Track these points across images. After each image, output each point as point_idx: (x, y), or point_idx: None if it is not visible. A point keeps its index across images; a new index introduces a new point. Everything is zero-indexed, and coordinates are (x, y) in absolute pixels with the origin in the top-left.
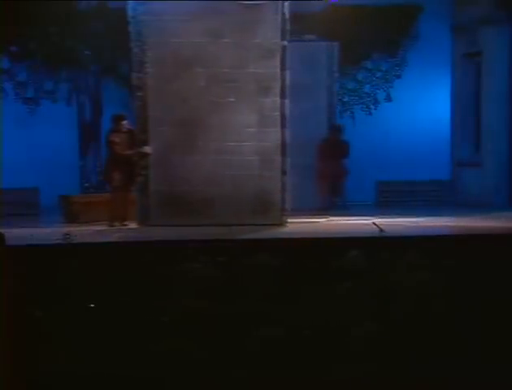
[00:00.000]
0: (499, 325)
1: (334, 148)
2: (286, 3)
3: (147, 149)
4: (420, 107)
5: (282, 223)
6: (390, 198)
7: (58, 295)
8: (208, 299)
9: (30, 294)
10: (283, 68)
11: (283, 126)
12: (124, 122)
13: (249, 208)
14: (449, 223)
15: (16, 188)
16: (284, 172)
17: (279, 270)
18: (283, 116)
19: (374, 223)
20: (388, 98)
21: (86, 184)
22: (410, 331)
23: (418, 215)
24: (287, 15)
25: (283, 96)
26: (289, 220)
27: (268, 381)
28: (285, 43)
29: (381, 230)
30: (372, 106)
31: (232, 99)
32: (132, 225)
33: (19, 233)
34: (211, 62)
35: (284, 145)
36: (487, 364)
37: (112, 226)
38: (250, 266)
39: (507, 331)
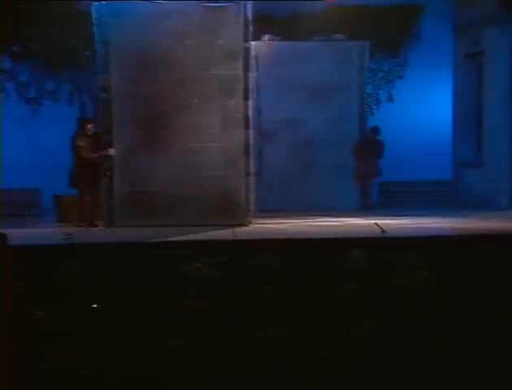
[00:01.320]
0: (502, 325)
1: (370, 147)
2: (249, 5)
3: (111, 150)
4: (422, 107)
5: (246, 224)
6: (391, 199)
7: (59, 295)
8: (209, 300)
9: (31, 294)
10: (246, 70)
11: (246, 127)
12: (89, 126)
13: (214, 208)
14: (450, 224)
15: (17, 189)
16: (247, 173)
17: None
18: (246, 117)
19: (376, 224)
20: (390, 98)
21: None
22: (412, 331)
23: (419, 216)
24: (249, 17)
25: (246, 97)
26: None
27: (269, 382)
28: (248, 45)
29: (383, 231)
30: (374, 107)
31: (195, 100)
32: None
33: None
34: (175, 64)
35: (247, 145)
36: (489, 364)
37: (79, 227)
38: (251, 267)
39: (510, 331)
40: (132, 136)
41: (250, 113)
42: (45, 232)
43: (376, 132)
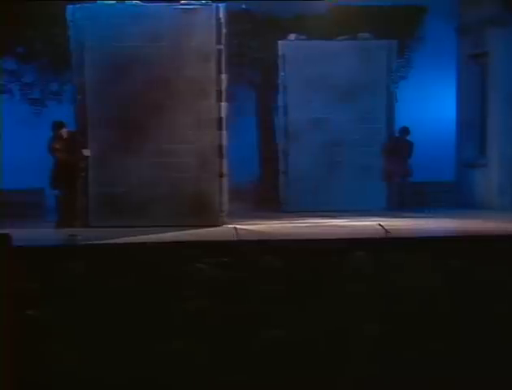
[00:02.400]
0: (507, 326)
1: (399, 148)
2: (221, 8)
3: (85, 151)
4: (425, 108)
5: (219, 224)
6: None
7: (62, 295)
8: (213, 300)
9: (35, 294)
10: (219, 72)
11: (220, 128)
12: (63, 129)
13: (187, 209)
14: (453, 224)
15: (22, 189)
16: (221, 174)
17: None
18: (220, 119)
19: (379, 225)
20: (394, 99)
21: None
22: (417, 332)
23: (422, 216)
24: (222, 20)
25: (219, 99)
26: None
27: (272, 382)
28: (221, 47)
29: (387, 231)
30: None
31: (168, 102)
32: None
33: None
34: (148, 66)
35: (221, 147)
36: (494, 365)
37: (59, 227)
38: (254, 267)
39: None
40: (106, 137)
41: (223, 114)
42: (48, 233)
43: (405, 132)
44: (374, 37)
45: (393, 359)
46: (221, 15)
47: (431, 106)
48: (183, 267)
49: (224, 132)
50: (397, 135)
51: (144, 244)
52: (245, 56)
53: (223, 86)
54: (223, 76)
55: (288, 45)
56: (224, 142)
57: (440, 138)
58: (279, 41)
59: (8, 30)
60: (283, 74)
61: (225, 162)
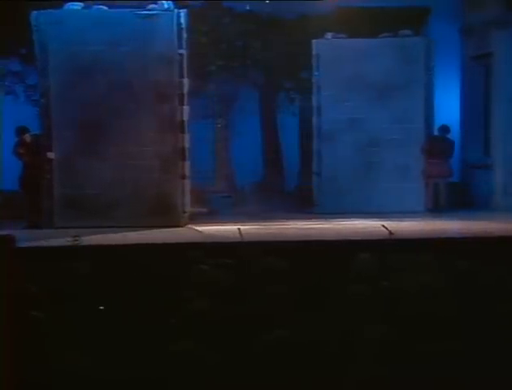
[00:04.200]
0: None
1: (439, 147)
2: (182, 13)
3: (50, 154)
4: None
5: (182, 225)
6: None
7: (66, 296)
8: (216, 301)
9: (39, 295)
10: (181, 76)
11: (182, 131)
12: (26, 134)
13: (149, 210)
14: (458, 225)
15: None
16: (183, 176)
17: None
18: (182, 122)
19: (383, 226)
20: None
21: None
22: (422, 333)
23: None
24: (183, 25)
25: (181, 102)
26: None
27: (274, 383)
28: (182, 51)
29: (390, 233)
30: None
31: (131, 105)
32: None
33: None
34: (111, 70)
35: (183, 149)
36: (499, 365)
37: (26, 228)
38: (258, 268)
39: None
40: (70, 139)
41: (186, 117)
42: (50, 234)
43: (445, 130)
44: (413, 35)
45: (398, 360)
46: (182, 20)
47: (435, 107)
48: (187, 268)
49: (187, 135)
50: (436, 133)
51: (146, 245)
52: (249, 57)
53: (185, 90)
54: (185, 80)
55: (323, 44)
56: (186, 145)
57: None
58: (314, 40)
59: (12, 31)
60: (317, 73)
61: (187, 165)
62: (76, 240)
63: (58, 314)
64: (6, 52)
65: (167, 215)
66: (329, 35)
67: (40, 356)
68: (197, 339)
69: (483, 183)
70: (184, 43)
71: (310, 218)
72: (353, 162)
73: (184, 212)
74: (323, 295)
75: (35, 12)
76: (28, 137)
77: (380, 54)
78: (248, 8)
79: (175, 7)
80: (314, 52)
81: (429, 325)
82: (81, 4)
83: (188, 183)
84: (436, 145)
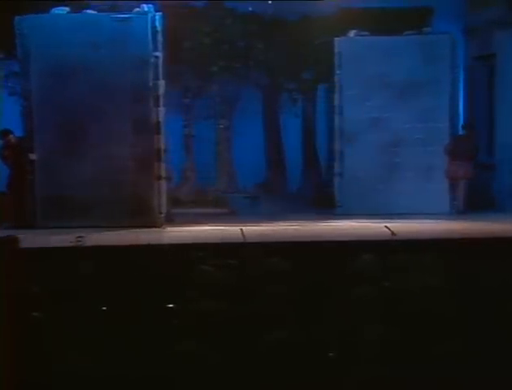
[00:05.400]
0: None
1: (463, 147)
2: (157, 17)
3: (31, 156)
4: None
5: (158, 225)
6: None
7: (70, 296)
8: (220, 301)
9: (42, 295)
10: (156, 77)
11: (158, 132)
12: (11, 136)
13: (126, 211)
14: (462, 226)
15: None
16: (158, 177)
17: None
18: (157, 123)
19: (386, 227)
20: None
21: None
22: (423, 333)
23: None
24: (158, 28)
25: (157, 104)
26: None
27: (279, 382)
28: (158, 54)
29: (393, 233)
30: None
31: (108, 107)
32: None
33: None
34: (90, 72)
35: (158, 150)
36: (501, 366)
37: (8, 228)
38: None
39: None
40: (51, 141)
41: (161, 119)
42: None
43: (469, 128)
44: (436, 32)
45: (400, 361)
46: (157, 23)
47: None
48: (190, 268)
49: (162, 136)
50: (460, 132)
51: (149, 245)
52: (251, 57)
53: (161, 91)
54: (161, 82)
55: (346, 42)
56: (162, 146)
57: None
58: (336, 38)
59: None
60: (339, 72)
61: (163, 166)
62: (79, 241)
63: (59, 315)
64: (10, 53)
65: (143, 216)
66: (352, 32)
67: (42, 356)
68: (200, 339)
69: (487, 183)
70: (159, 46)
71: (332, 219)
72: (375, 162)
73: (161, 213)
74: (325, 296)
75: (18, 17)
76: (12, 138)
77: (404, 51)
78: (250, 9)
79: (156, 10)
80: (336, 50)
81: (432, 325)
82: (67, 9)
83: (164, 184)
84: (461, 145)
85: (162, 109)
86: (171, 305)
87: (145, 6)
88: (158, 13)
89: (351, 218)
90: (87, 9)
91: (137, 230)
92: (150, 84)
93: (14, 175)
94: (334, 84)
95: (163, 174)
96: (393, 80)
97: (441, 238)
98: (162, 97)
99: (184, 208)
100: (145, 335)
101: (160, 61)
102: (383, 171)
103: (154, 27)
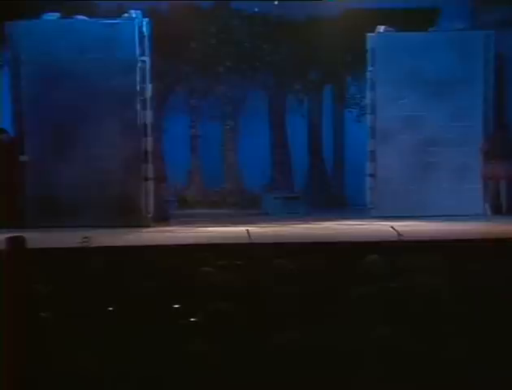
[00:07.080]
0: None
1: (500, 146)
2: (145, 22)
3: (22, 157)
4: None
5: (147, 226)
6: None
7: (76, 297)
8: (226, 302)
9: (48, 296)
10: (143, 81)
11: (145, 135)
12: (4, 135)
13: (115, 211)
14: (468, 227)
15: None
16: (146, 178)
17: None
18: (145, 126)
19: (392, 227)
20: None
21: None
22: (431, 336)
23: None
24: (146, 33)
25: (144, 107)
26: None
27: (285, 386)
28: (145, 58)
29: (399, 234)
30: None
31: (98, 110)
32: None
33: None
34: (79, 76)
35: (146, 153)
36: (506, 367)
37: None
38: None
39: None
40: (41, 143)
41: (148, 121)
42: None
43: (504, 127)
44: (469, 28)
45: (409, 363)
46: (144, 29)
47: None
48: (195, 269)
49: (150, 138)
50: (494, 132)
51: (155, 246)
52: (258, 58)
53: (148, 95)
54: (149, 86)
55: (378, 38)
56: (150, 148)
57: None
58: (368, 34)
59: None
60: (371, 69)
61: (151, 167)
62: (86, 241)
63: (67, 315)
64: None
65: (131, 216)
66: (381, 28)
67: (49, 357)
68: (207, 340)
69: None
70: (146, 50)
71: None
72: (409, 162)
73: (148, 213)
74: (333, 297)
75: (7, 23)
76: (5, 139)
77: (438, 48)
78: (256, 10)
79: (144, 16)
80: (368, 46)
81: (441, 327)
82: (57, 14)
83: (151, 185)
84: (497, 144)
85: (149, 112)
86: (177, 306)
87: (133, 12)
88: (145, 19)
89: (386, 220)
90: (91, 11)
91: (137, 230)
92: (137, 88)
93: (5, 174)
94: (366, 80)
95: (151, 175)
96: (427, 77)
97: (448, 239)
98: (150, 100)
99: (192, 208)
100: (152, 337)
101: (148, 65)
102: (417, 172)
103: (141, 32)
